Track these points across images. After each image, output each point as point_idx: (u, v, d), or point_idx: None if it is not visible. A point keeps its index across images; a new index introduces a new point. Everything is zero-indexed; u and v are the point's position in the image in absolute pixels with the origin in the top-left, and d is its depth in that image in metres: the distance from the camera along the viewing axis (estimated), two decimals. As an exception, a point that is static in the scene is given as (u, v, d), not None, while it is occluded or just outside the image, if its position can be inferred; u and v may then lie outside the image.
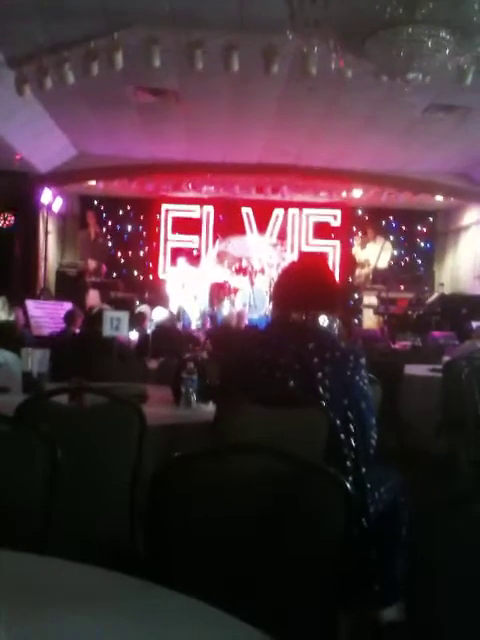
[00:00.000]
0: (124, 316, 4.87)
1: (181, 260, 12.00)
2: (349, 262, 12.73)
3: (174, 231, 13.10)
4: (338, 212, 13.07)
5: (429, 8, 4.16)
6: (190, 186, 12.05)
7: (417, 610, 1.46)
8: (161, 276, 13.00)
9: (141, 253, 13.33)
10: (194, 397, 3.20)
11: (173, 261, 12.69)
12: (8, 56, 6.73)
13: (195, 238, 12.94)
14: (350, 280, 12.42)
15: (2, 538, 1.50)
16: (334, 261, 12.93)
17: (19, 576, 1.32)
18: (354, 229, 13.06)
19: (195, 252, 12.86)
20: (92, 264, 11.70)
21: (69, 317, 6.99)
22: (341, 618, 1.71)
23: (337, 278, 10.37)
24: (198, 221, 13.04)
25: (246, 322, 9.91)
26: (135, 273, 13.20)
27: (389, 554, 2.41)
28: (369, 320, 11.23)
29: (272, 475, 1.60)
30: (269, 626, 1.16)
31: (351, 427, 2.40)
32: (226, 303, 11.26)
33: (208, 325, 9.44)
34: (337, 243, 13.15)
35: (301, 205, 12.93)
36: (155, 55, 6.04)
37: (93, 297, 11.07)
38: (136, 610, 1.22)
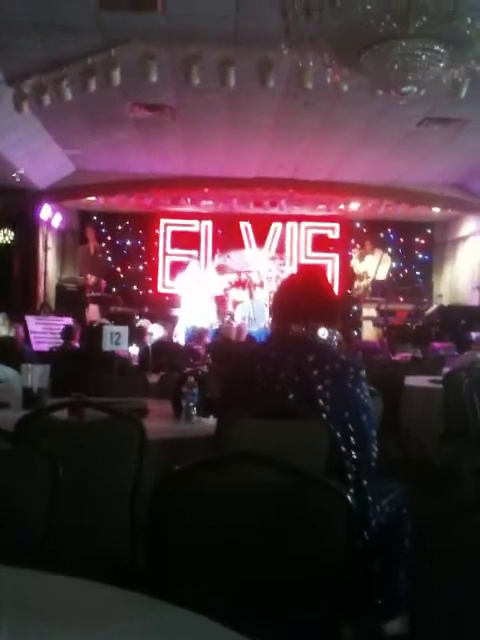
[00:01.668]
0: (124, 331, 4.86)
1: (193, 262, 12.02)
2: (348, 274, 12.75)
3: (173, 245, 13.14)
4: (336, 225, 13.11)
5: (423, 22, 4.20)
6: (188, 201, 12.11)
7: (420, 623, 1.45)
8: (161, 290, 13.03)
9: (140, 268, 13.36)
10: (194, 411, 3.19)
11: (172, 275, 12.73)
12: (6, 73, 6.79)
13: (194, 252, 12.97)
14: (349, 292, 12.44)
15: (3, 554, 1.49)
16: (333, 273, 12.95)
17: (20, 592, 1.31)
18: (352, 241, 13.11)
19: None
20: (92, 279, 11.73)
21: (67, 332, 7.00)
22: (344, 631, 1.70)
23: (336, 290, 10.38)
24: (197, 235, 13.08)
25: (245, 335, 9.91)
26: (134, 288, 13.23)
27: (392, 567, 2.40)
28: (368, 332, 11.24)
29: (273, 488, 1.60)
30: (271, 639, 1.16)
31: (352, 440, 2.39)
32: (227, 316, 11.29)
33: (208, 339, 9.43)
34: (336, 256, 13.18)
35: (299, 218, 12.98)
36: (152, 71, 6.09)
37: (93, 312, 11.09)
38: (138, 626, 1.22)
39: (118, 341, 4.79)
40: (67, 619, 1.21)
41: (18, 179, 9.63)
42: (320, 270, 11.96)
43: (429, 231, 13.40)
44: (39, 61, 6.47)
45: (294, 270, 12.20)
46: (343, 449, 2.38)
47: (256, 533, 1.56)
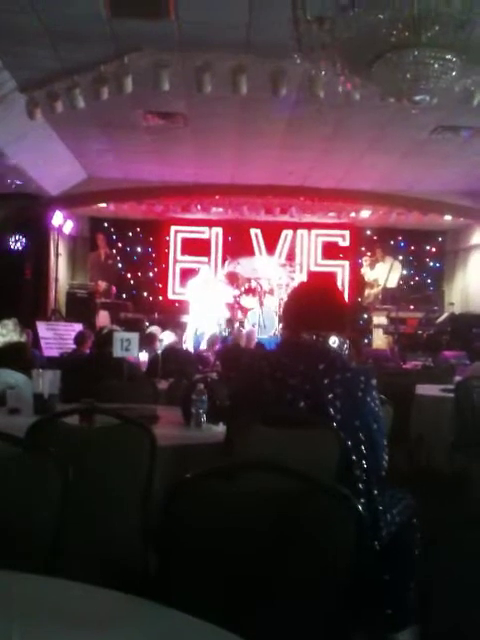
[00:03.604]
0: (134, 337, 4.88)
1: (203, 269, 12.02)
2: (358, 282, 12.73)
3: (183, 252, 13.18)
4: (347, 232, 13.11)
5: (434, 31, 4.20)
6: (199, 208, 12.13)
7: (431, 633, 1.44)
8: (171, 296, 13.06)
9: (150, 274, 13.40)
10: (204, 418, 3.19)
11: (182, 281, 12.76)
12: (20, 80, 6.84)
13: (204, 259, 12.99)
14: (359, 300, 12.41)
15: (14, 559, 1.49)
16: (343, 281, 12.94)
17: (32, 597, 1.31)
18: (363, 249, 13.08)
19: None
20: (102, 285, 11.78)
21: (79, 338, 7.03)
22: (354, 641, 1.69)
23: (346, 298, 10.33)
24: (207, 242, 13.11)
25: (255, 342, 9.90)
26: (145, 294, 13.27)
27: (402, 577, 2.38)
28: (379, 340, 11.21)
29: (284, 496, 1.60)
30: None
31: (362, 448, 2.39)
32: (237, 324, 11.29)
33: (218, 346, 9.43)
34: (346, 263, 13.17)
35: (310, 225, 12.98)
36: (164, 79, 6.12)
37: (103, 318, 11.12)
38: (148, 633, 1.22)
39: (128, 347, 4.81)
40: (78, 625, 1.21)
41: (13, 186, 9.67)
42: (330, 278, 11.99)
43: (440, 239, 13.35)
44: (51, 69, 6.51)
45: (304, 277, 12.22)
46: (354, 458, 2.37)
47: (267, 541, 1.56)
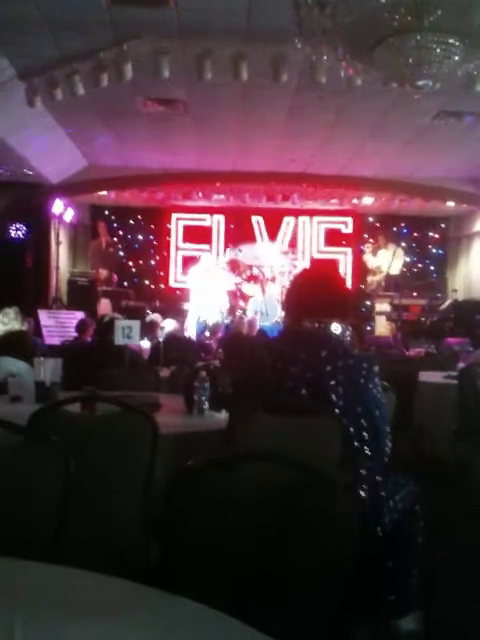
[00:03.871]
0: (135, 325, 4.88)
1: (205, 256, 11.99)
2: (361, 269, 12.69)
3: (185, 240, 13.14)
4: (349, 219, 13.05)
5: (437, 15, 4.16)
6: (200, 195, 12.09)
7: (434, 619, 1.45)
8: (172, 284, 13.05)
9: (152, 262, 13.38)
10: (206, 405, 3.19)
11: (184, 269, 12.74)
12: (19, 68, 6.80)
13: (206, 247, 12.96)
14: (362, 287, 12.38)
15: (15, 548, 1.49)
16: (345, 268, 12.90)
17: (33, 585, 1.31)
18: (365, 236, 13.03)
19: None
20: (103, 273, 11.77)
21: (81, 326, 7.03)
22: (357, 628, 1.70)
23: (349, 285, 10.32)
24: (209, 230, 13.07)
25: (257, 330, 9.90)
26: (146, 282, 13.25)
27: (404, 563, 2.38)
28: (382, 327, 11.19)
29: (285, 485, 1.60)
30: (285, 638, 1.15)
31: (365, 435, 2.39)
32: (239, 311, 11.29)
33: (220, 333, 9.43)
34: (348, 250, 13.12)
35: (312, 212, 12.93)
36: (164, 66, 6.08)
37: (104, 306, 11.12)
38: (151, 620, 1.22)
39: (130, 335, 4.81)
40: (80, 612, 1.21)
41: (16, 174, 9.65)
42: (333, 265, 11.95)
43: (443, 226, 13.30)
44: (51, 57, 6.47)
45: (306, 265, 12.18)
46: (356, 444, 2.37)
47: (268, 531, 1.56)
